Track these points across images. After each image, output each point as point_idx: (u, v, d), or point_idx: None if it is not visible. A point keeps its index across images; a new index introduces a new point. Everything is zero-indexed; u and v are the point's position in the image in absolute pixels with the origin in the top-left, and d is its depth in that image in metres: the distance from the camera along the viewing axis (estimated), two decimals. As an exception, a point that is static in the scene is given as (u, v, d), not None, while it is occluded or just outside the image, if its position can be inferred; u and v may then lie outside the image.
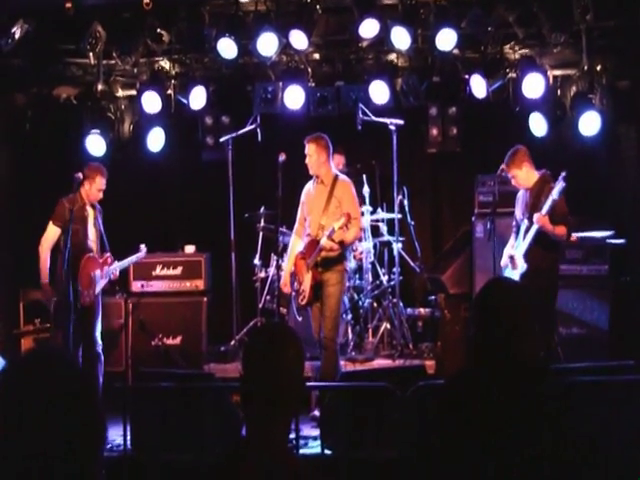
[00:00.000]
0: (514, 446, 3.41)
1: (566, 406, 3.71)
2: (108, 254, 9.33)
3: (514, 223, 9.10)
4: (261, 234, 11.04)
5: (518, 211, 9.02)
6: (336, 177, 8.98)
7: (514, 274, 8.76)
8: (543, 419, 3.49)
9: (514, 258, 8.80)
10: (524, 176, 8.76)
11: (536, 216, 8.47)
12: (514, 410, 3.47)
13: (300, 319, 9.60)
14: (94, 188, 9.11)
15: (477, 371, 3.63)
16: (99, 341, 9.23)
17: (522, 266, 8.69)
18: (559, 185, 8.45)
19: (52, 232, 9.18)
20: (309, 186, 9.13)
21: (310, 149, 8.84)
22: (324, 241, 8.60)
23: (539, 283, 8.51)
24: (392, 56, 10.94)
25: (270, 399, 2.92)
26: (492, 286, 3.86)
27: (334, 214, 8.77)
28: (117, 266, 9.40)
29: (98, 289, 9.18)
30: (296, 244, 9.16)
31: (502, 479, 3.40)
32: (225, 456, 2.96)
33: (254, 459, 2.84)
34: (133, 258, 9.70)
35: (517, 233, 8.99)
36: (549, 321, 8.69)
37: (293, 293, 9.13)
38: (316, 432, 8.11)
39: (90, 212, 9.27)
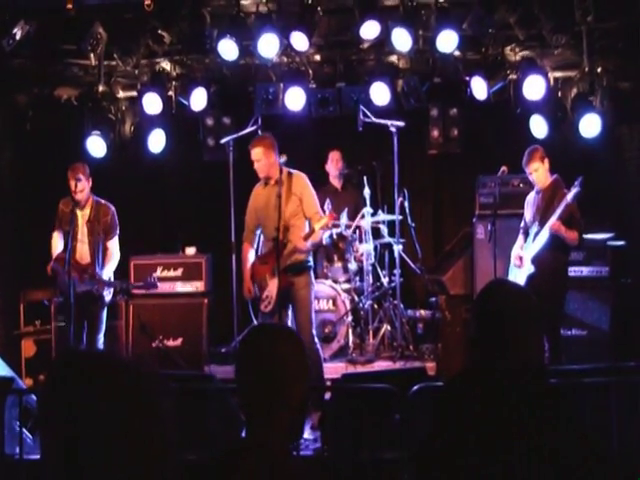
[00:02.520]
0: (514, 448, 3.41)
1: (567, 408, 3.71)
2: (92, 267, 9.13)
3: (522, 224, 9.13)
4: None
5: (528, 213, 9.04)
6: (289, 174, 8.74)
7: (521, 274, 8.78)
8: (543, 421, 3.49)
9: (522, 259, 8.83)
10: (544, 172, 8.79)
11: (549, 224, 8.50)
12: (514, 412, 3.47)
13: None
14: (70, 190, 9.09)
15: (477, 373, 3.63)
16: (101, 346, 9.21)
17: (529, 268, 8.71)
18: (574, 190, 8.50)
19: (53, 237, 9.28)
20: (258, 190, 8.84)
21: (257, 154, 8.62)
22: (301, 244, 8.47)
23: (547, 286, 8.55)
24: (393, 57, 10.94)
25: (266, 399, 2.90)
26: (492, 288, 3.85)
27: (295, 212, 8.61)
28: (103, 283, 9.20)
29: (78, 290, 9.06)
30: (248, 251, 8.95)
31: (503, 481, 3.40)
32: (224, 457, 2.95)
33: (253, 461, 2.84)
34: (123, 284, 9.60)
35: (526, 234, 9.01)
36: (556, 323, 8.71)
37: (255, 298, 9.00)
38: (316, 434, 8.11)
39: (80, 213, 9.22)
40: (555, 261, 8.74)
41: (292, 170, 8.84)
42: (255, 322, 9.98)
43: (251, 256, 8.93)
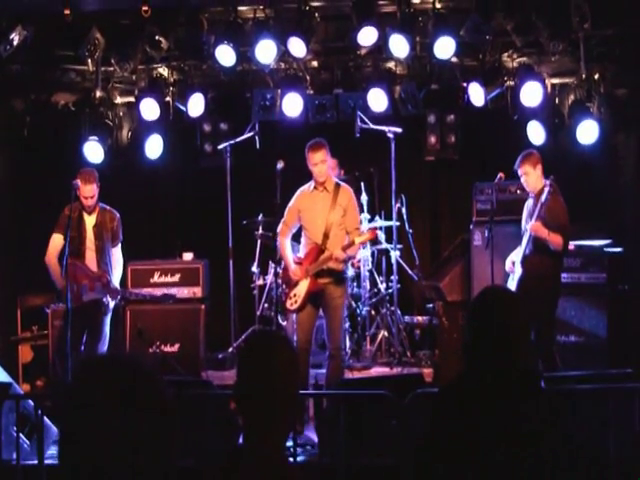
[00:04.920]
0: (509, 453, 3.41)
1: (562, 414, 3.72)
2: (107, 275, 9.06)
3: (523, 230, 9.14)
4: (259, 241, 11.04)
5: (524, 219, 9.06)
6: (337, 184, 8.88)
7: (513, 279, 8.80)
8: (538, 427, 3.50)
9: (514, 264, 8.85)
10: (534, 177, 8.78)
11: (529, 225, 8.54)
12: (509, 417, 3.48)
13: (284, 323, 9.65)
14: (81, 195, 9.00)
15: (472, 379, 3.64)
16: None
17: (518, 272, 8.72)
18: (546, 189, 8.52)
19: (54, 240, 9.02)
20: (305, 193, 8.89)
21: (322, 156, 8.64)
22: (338, 253, 8.53)
23: (537, 289, 8.54)
24: (390, 64, 10.95)
25: (264, 406, 2.92)
26: (486, 294, 3.88)
27: (339, 222, 8.71)
28: (117, 292, 9.14)
29: (85, 298, 9.02)
30: (284, 242, 8.98)
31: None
32: (222, 464, 2.96)
33: (250, 467, 2.84)
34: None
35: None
36: (548, 328, 8.70)
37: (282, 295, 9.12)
38: (314, 439, 8.10)
39: (88, 219, 9.16)
40: (542, 264, 8.71)
41: (340, 182, 9.00)
42: (279, 317, 9.99)
43: (287, 244, 9.00)
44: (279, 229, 9.03)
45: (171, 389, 2.10)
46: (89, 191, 8.96)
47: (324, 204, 8.77)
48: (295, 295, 8.71)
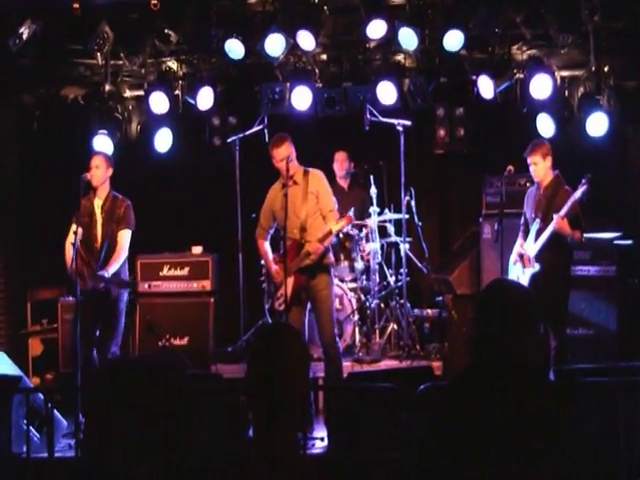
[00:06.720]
0: (516, 447, 3.41)
1: (570, 408, 3.72)
2: (97, 261, 8.84)
3: (522, 221, 9.11)
4: (268, 234, 11.05)
5: (528, 210, 9.02)
6: (306, 172, 8.76)
7: (524, 273, 8.77)
8: (544, 421, 3.49)
9: (524, 257, 8.82)
10: (543, 168, 8.77)
11: (555, 221, 8.47)
12: (516, 411, 3.48)
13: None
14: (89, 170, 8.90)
15: (479, 372, 3.64)
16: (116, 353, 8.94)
17: (534, 266, 8.70)
18: (583, 187, 8.49)
19: (72, 230, 8.85)
20: (276, 190, 8.82)
21: (285, 151, 8.55)
22: (315, 246, 8.47)
23: (551, 285, 8.55)
24: (399, 57, 10.92)
25: (275, 399, 2.92)
26: (494, 287, 3.88)
27: (314, 211, 8.65)
28: (99, 279, 8.75)
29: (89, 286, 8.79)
30: (264, 245, 9.02)
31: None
32: (232, 457, 2.96)
33: (261, 460, 2.84)
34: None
35: (526, 232, 9.00)
36: (561, 322, 8.71)
37: (269, 297, 9.10)
38: (323, 433, 8.11)
39: (96, 203, 8.96)
40: (558, 259, 8.73)
41: (308, 168, 8.87)
42: (268, 318, 10.01)
43: (267, 247, 9.01)
44: (257, 233, 9.09)
45: (193, 393, 2.11)
46: (94, 162, 8.90)
47: (297, 198, 8.64)
48: (282, 295, 8.63)
